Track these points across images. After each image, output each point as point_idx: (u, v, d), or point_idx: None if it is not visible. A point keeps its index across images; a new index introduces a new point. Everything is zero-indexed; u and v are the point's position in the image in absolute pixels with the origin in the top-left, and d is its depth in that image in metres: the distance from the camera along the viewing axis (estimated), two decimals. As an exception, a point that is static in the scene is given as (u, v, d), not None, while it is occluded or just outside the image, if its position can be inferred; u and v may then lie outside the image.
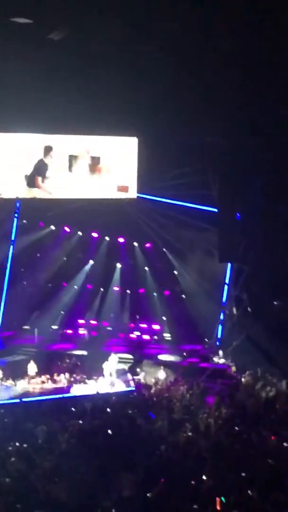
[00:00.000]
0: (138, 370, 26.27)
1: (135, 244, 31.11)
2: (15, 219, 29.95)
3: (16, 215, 29.73)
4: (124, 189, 26.44)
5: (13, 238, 30.26)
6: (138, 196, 26.89)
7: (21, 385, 24.00)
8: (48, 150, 25.18)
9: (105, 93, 22.28)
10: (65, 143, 25.60)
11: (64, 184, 25.65)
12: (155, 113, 23.57)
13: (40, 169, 25.23)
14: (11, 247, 30.27)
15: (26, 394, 23.23)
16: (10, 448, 16.46)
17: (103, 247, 31.03)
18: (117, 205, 26.78)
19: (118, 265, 31.28)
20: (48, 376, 24.68)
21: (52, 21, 18.49)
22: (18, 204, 28.93)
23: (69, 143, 25.69)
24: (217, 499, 12.67)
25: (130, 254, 31.29)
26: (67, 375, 24.85)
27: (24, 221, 30.19)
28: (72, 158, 25.61)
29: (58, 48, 19.83)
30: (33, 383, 24.16)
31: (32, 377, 24.48)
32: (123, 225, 29.25)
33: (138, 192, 26.77)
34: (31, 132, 24.93)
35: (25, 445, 16.47)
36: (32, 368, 24.84)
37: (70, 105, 22.31)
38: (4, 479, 14.54)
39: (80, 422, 18.64)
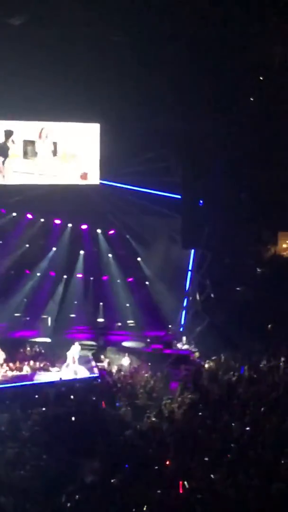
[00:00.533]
0: (102, 356, 26.28)
1: (98, 231, 31.03)
2: (-23, 206, 29.66)
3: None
4: (83, 176, 26.30)
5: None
6: (100, 183, 26.78)
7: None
8: (8, 134, 24.93)
9: (67, 79, 22.14)
10: (26, 129, 25.35)
11: (25, 170, 25.45)
12: (117, 99, 23.46)
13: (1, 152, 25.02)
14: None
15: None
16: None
17: (66, 234, 30.85)
18: (80, 192, 26.63)
19: (81, 252, 31.16)
20: (11, 363, 24.52)
21: (13, 6, 18.31)
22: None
23: (30, 129, 25.44)
24: (181, 483, 12.77)
25: (93, 241, 31.19)
26: (30, 362, 24.75)
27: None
28: (32, 144, 25.40)
29: (19, 33, 19.63)
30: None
31: (0, 365, 24.23)
32: (86, 212, 29.09)
33: (101, 178, 26.66)
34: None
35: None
36: None
37: (31, 90, 22.08)
38: None
39: (43, 409, 18.60)
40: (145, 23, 19.11)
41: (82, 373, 24.17)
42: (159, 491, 12.72)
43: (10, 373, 23.87)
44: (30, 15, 18.88)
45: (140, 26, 19.29)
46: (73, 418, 17.51)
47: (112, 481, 13.70)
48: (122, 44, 20.56)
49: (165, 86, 22.88)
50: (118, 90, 23.00)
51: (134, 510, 12.21)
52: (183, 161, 26.65)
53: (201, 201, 26.95)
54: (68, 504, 12.77)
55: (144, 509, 12.12)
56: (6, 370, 24.02)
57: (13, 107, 23.47)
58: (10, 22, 18.92)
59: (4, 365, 24.35)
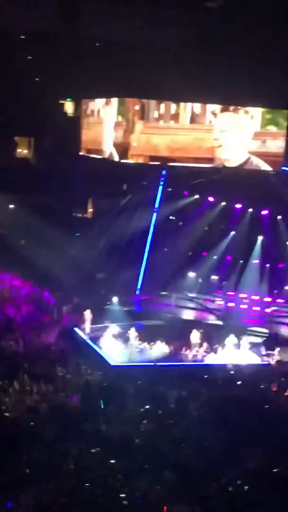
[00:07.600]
0: (273, 345, 25.95)
1: (279, 217, 30.60)
2: (160, 187, 30.32)
3: (161, 182, 30.11)
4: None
5: (157, 205, 30.67)
6: (283, 170, 26.36)
7: (156, 349, 24.32)
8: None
9: (259, 64, 22.06)
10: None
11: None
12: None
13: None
14: (155, 214, 30.72)
15: (160, 358, 23.57)
16: (142, 410, 16.94)
17: (246, 219, 30.78)
18: (262, 177, 26.43)
19: (260, 238, 30.90)
20: (183, 343, 24.82)
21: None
22: (164, 172, 29.25)
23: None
24: None
25: (273, 228, 30.80)
26: (201, 343, 24.91)
27: (169, 189, 30.55)
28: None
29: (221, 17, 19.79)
30: (163, 349, 24.28)
31: (195, 346, 24.44)
32: (268, 198, 28.83)
33: (285, 165, 26.22)
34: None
35: (158, 411, 16.83)
36: (195, 336, 24.83)
37: (225, 75, 22.21)
38: (134, 439, 15.05)
39: (211, 391, 18.81)
40: None
41: (252, 359, 24.10)
42: None
43: (181, 352, 24.25)
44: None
45: None
46: (240, 404, 17.62)
47: (274, 470, 13.72)
48: None
49: None
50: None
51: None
52: None
53: None
54: (230, 488, 12.95)
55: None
56: (178, 349, 24.38)
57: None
58: (208, 5, 19.13)
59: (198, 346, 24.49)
